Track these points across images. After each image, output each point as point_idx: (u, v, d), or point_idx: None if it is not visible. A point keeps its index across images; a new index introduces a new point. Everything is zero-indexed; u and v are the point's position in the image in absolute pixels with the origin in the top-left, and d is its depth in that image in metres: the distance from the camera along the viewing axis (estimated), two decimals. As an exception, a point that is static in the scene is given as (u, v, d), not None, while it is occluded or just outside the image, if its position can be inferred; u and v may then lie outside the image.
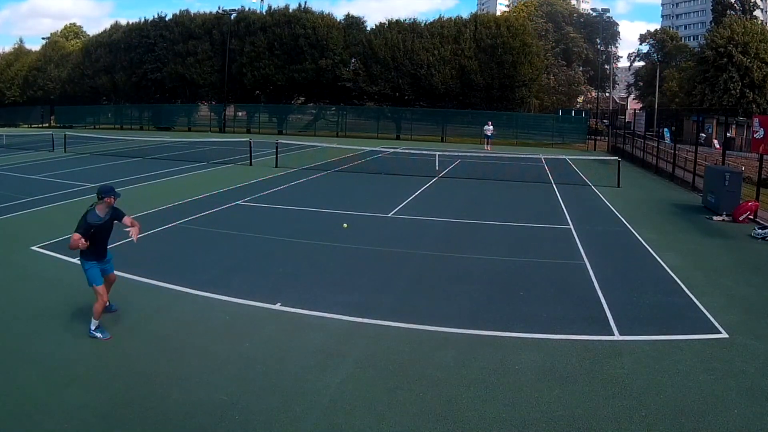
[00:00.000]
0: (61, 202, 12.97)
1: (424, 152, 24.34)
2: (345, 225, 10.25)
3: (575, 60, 60.02)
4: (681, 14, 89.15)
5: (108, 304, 5.86)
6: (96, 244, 5.59)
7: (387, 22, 44.91)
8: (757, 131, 13.31)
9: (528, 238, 10.37)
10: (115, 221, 5.83)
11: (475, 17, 44.59)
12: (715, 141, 35.07)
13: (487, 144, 32.40)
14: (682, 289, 7.42)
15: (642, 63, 65.05)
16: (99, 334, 5.58)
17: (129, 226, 5.85)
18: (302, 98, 49.30)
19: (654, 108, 49.48)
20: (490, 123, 32.76)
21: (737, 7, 53.97)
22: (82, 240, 5.37)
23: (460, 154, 27.58)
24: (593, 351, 5.47)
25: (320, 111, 46.83)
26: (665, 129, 32.75)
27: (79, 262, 5.80)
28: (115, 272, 7.48)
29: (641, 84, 63.28)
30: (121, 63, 50.13)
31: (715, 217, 12.58)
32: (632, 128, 33.31)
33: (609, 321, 6.22)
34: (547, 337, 5.78)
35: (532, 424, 4.18)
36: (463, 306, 6.67)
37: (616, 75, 71.33)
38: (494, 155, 27.13)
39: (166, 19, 50.02)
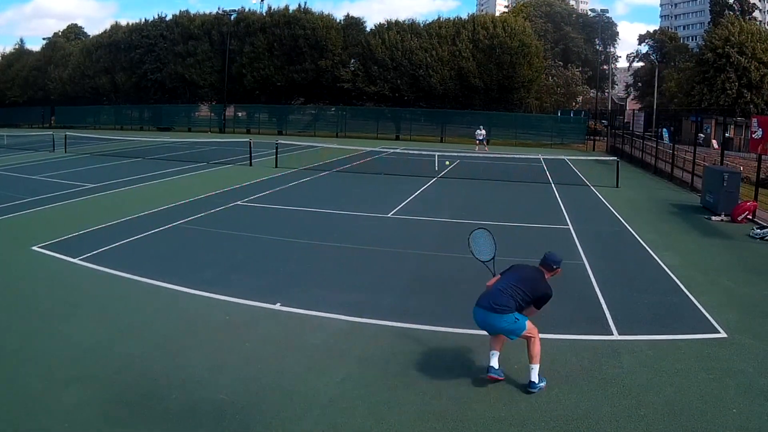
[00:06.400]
0: (62, 202, 12.97)
1: (424, 152, 24.36)
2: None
3: (574, 60, 60.01)
4: (680, 15, 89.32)
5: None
6: None
7: (386, 23, 44.96)
8: (755, 131, 13.32)
9: (527, 238, 10.38)
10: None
11: (472, 18, 44.64)
12: (714, 141, 35.11)
13: (481, 145, 31.44)
14: (680, 288, 7.43)
15: (641, 63, 65.13)
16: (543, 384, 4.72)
17: None
18: (302, 99, 49.34)
19: (653, 108, 49.52)
20: (481, 127, 32.43)
21: (736, 8, 54.04)
22: None
23: (459, 154, 27.59)
24: (592, 351, 5.48)
25: (320, 111, 46.86)
26: (664, 129, 32.81)
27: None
28: (116, 272, 7.59)
29: (640, 84, 63.32)
30: (121, 63, 50.17)
31: (713, 217, 12.60)
32: (631, 128, 33.34)
33: (608, 321, 6.24)
34: (546, 336, 5.75)
35: (531, 423, 4.20)
36: (462, 305, 6.63)
37: (615, 75, 71.33)
38: (493, 155, 27.16)
39: (166, 19, 50.10)
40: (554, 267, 4.99)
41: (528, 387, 4.66)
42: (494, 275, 5.15)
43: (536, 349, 4.70)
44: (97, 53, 51.95)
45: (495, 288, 4.83)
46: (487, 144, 32.06)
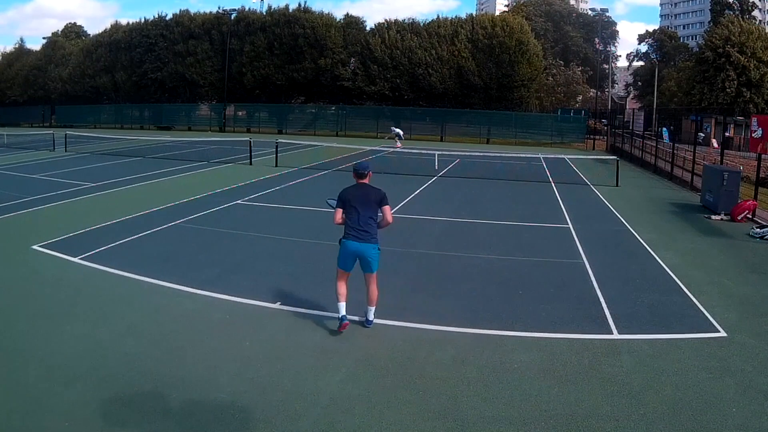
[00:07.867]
0: (62, 201, 12.98)
1: (424, 152, 24.35)
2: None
3: (573, 59, 60.01)
4: (679, 14, 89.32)
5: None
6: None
7: (386, 22, 44.97)
8: (755, 131, 13.32)
9: (527, 237, 10.39)
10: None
11: (471, 17, 44.68)
12: (714, 140, 35.06)
13: (398, 141, 31.00)
14: (680, 288, 7.44)
15: (641, 63, 65.15)
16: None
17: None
18: (302, 98, 49.38)
19: (653, 107, 49.50)
20: (394, 126, 32.70)
21: (735, 7, 54.03)
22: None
23: (459, 153, 27.59)
24: (592, 350, 5.48)
25: (320, 110, 46.88)
26: (664, 128, 32.72)
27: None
28: (116, 271, 7.59)
29: (640, 83, 63.33)
30: (121, 63, 50.21)
31: (713, 217, 12.61)
32: (631, 128, 33.35)
33: (608, 320, 6.24)
34: (545, 335, 5.79)
35: (530, 423, 4.20)
36: (462, 305, 6.68)
37: (615, 74, 71.31)
38: (493, 155, 27.15)
39: (167, 19, 50.14)
40: (367, 173, 5.86)
41: (366, 323, 5.81)
42: (334, 209, 5.94)
43: (377, 293, 5.75)
44: (98, 52, 52.02)
45: (361, 221, 5.61)
46: (399, 140, 31.02)
